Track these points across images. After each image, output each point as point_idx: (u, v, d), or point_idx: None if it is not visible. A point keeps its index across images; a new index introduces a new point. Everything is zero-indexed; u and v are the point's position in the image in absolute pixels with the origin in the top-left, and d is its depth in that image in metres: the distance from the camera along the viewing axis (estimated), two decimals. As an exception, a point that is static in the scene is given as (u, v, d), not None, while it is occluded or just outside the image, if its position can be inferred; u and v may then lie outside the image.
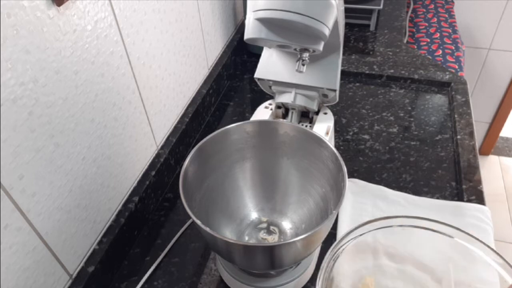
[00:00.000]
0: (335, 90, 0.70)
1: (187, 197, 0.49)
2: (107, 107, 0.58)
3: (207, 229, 0.44)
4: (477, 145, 1.60)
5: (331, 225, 0.51)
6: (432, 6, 1.50)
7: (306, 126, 0.76)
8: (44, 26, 0.45)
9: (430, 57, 1.11)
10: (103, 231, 0.62)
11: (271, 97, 0.78)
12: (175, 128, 0.79)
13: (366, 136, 0.82)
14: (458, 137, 0.78)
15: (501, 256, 0.45)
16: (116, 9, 0.56)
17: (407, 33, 1.36)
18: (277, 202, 0.63)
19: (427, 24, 1.40)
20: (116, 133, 0.61)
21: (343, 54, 1.03)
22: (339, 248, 0.47)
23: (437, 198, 0.70)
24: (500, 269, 0.45)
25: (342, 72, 0.98)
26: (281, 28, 0.53)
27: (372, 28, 1.13)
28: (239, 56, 1.07)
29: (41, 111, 0.46)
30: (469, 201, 0.68)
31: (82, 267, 0.57)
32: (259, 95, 0.96)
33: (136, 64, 0.63)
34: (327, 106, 0.76)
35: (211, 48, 0.92)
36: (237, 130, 0.58)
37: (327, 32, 0.52)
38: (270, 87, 0.76)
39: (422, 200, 0.69)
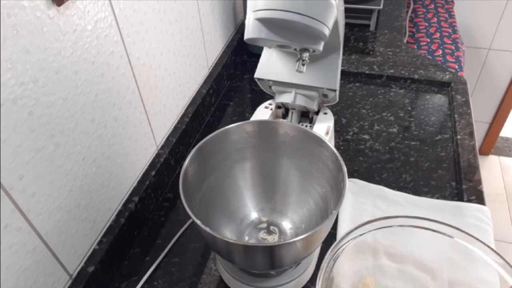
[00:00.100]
0: (335, 90, 0.70)
1: (187, 197, 0.49)
2: (107, 107, 0.58)
3: (207, 229, 0.44)
4: (477, 145, 1.60)
5: (331, 225, 0.51)
6: (432, 6, 1.50)
7: (306, 126, 0.76)
8: (44, 26, 0.45)
9: (430, 57, 1.11)
10: (103, 231, 0.62)
11: (271, 97, 0.78)
12: (175, 128, 0.79)
13: (366, 136, 0.82)
14: (458, 137, 0.78)
15: (501, 256, 0.45)
16: (116, 9, 0.56)
17: (407, 33, 1.36)
18: (277, 202, 0.63)
19: (427, 24, 1.40)
20: (116, 133, 0.61)
21: (343, 54, 1.03)
22: (339, 248, 0.47)
23: (437, 198, 0.70)
24: (500, 269, 0.45)
25: (342, 72, 0.98)
26: (281, 28, 0.53)
27: (372, 28, 1.13)
28: (239, 56, 1.07)
29: (41, 111, 0.46)
30: (469, 201, 0.68)
31: (82, 267, 0.57)
32: (259, 95, 0.96)
33: (136, 64, 0.63)
34: (327, 106, 0.76)
35: (211, 48, 0.92)
36: (237, 130, 0.58)
37: (327, 32, 0.52)
38: (270, 87, 0.76)
39: (422, 200, 0.69)
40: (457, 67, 1.23)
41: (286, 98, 0.73)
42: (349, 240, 0.48)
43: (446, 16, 1.44)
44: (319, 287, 0.43)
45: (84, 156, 0.55)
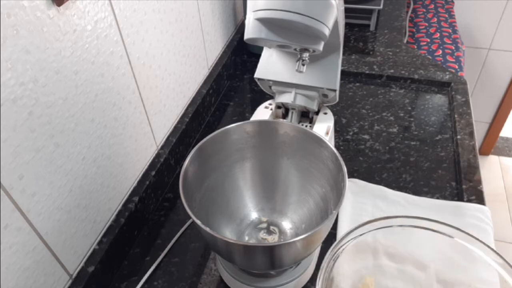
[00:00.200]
0: (335, 90, 0.70)
1: (187, 197, 0.49)
2: (107, 107, 0.58)
3: (207, 229, 0.44)
4: (477, 145, 1.60)
5: (331, 225, 0.51)
6: (432, 6, 1.50)
7: (306, 126, 0.76)
8: (44, 26, 0.45)
9: (430, 57, 1.11)
10: (103, 231, 0.62)
11: (271, 97, 0.78)
12: (175, 128, 0.79)
13: (366, 136, 0.82)
14: (458, 137, 0.78)
15: (501, 256, 0.45)
16: (116, 9, 0.56)
17: (407, 33, 1.36)
18: (277, 202, 0.63)
19: (427, 24, 1.40)
20: (116, 133, 0.61)
21: (343, 54, 1.03)
22: (339, 248, 0.47)
23: (437, 198, 0.70)
24: (500, 269, 0.45)
25: (342, 72, 0.98)
26: (281, 28, 0.53)
27: (372, 28, 1.13)
28: (239, 56, 1.07)
29: (41, 111, 0.46)
30: (469, 201, 0.68)
31: (82, 267, 0.57)
32: (259, 95, 0.96)
33: (136, 64, 0.63)
34: (327, 106, 0.76)
35: (211, 48, 0.92)
36: (237, 130, 0.58)
37: (327, 32, 0.52)
38: (270, 87, 0.76)
39: (422, 200, 0.69)
40: (457, 67, 1.23)
41: (286, 98, 0.73)
42: (349, 240, 0.48)
43: (446, 16, 1.44)
44: (319, 287, 0.43)
45: (84, 156, 0.55)
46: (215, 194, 0.59)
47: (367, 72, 0.97)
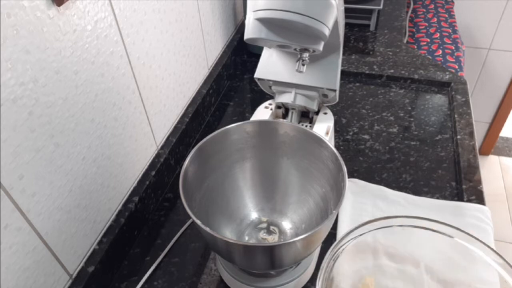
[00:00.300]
0: (335, 90, 0.70)
1: (187, 197, 0.49)
2: (107, 107, 0.58)
3: (207, 229, 0.44)
4: (477, 145, 1.60)
5: (331, 225, 0.51)
6: (432, 6, 1.50)
7: (306, 126, 0.76)
8: (44, 26, 0.45)
9: (430, 57, 1.11)
10: (103, 231, 0.62)
11: (271, 97, 0.78)
12: (175, 128, 0.79)
13: (366, 136, 0.82)
14: (458, 137, 0.78)
15: (501, 256, 0.45)
16: (116, 9, 0.56)
17: (407, 33, 1.36)
18: (277, 202, 0.63)
19: (427, 24, 1.40)
20: (116, 133, 0.61)
21: (343, 54, 1.03)
22: (339, 248, 0.47)
23: (437, 198, 0.70)
24: (500, 269, 0.45)
25: (342, 72, 0.98)
26: (281, 28, 0.53)
27: (372, 28, 1.13)
28: (239, 56, 1.07)
29: (41, 111, 0.46)
30: (469, 201, 0.68)
31: (82, 267, 0.57)
32: (259, 95, 0.96)
33: (136, 64, 0.63)
34: (327, 106, 0.76)
35: (211, 48, 0.92)
36: (237, 130, 0.58)
37: (327, 32, 0.52)
38: (270, 87, 0.76)
39: (422, 200, 0.69)
40: (457, 67, 1.23)
41: (286, 98, 0.73)
42: (349, 240, 0.48)
43: (446, 16, 1.44)
44: (319, 287, 0.43)
45: (84, 156, 0.55)
46: (215, 194, 0.59)
47: (367, 72, 0.97)
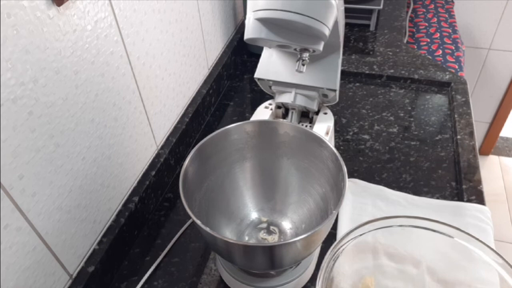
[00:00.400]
0: (335, 90, 0.70)
1: (187, 197, 0.49)
2: (107, 107, 0.58)
3: (207, 229, 0.44)
4: (477, 145, 1.60)
5: (331, 225, 0.51)
6: (432, 6, 1.50)
7: (306, 126, 0.76)
8: (44, 26, 0.45)
9: (430, 57, 1.11)
10: (103, 231, 0.62)
11: (271, 97, 0.78)
12: (175, 128, 0.79)
13: (366, 136, 0.82)
14: (458, 137, 0.78)
15: (501, 256, 0.45)
16: (116, 9, 0.56)
17: (407, 33, 1.36)
18: (277, 202, 0.63)
19: (427, 24, 1.40)
20: (116, 133, 0.61)
21: (343, 54, 1.03)
22: (339, 248, 0.47)
23: (437, 198, 0.70)
24: (500, 269, 0.45)
25: (342, 72, 0.98)
26: (281, 28, 0.53)
27: (372, 28, 1.13)
28: (239, 56, 1.07)
29: (41, 111, 0.46)
30: (469, 201, 0.68)
31: (82, 267, 0.57)
32: (259, 95, 0.96)
33: (136, 64, 0.63)
34: (327, 106, 0.76)
35: (211, 48, 0.92)
36: (237, 130, 0.58)
37: (327, 32, 0.52)
38: (270, 87, 0.76)
39: (422, 200, 0.69)
40: (457, 67, 1.23)
41: (286, 98, 0.73)
42: (349, 240, 0.48)
43: (446, 16, 1.44)
44: (319, 287, 0.43)
45: (84, 156, 0.55)
46: (215, 194, 0.59)
47: (367, 72, 0.97)
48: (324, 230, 0.48)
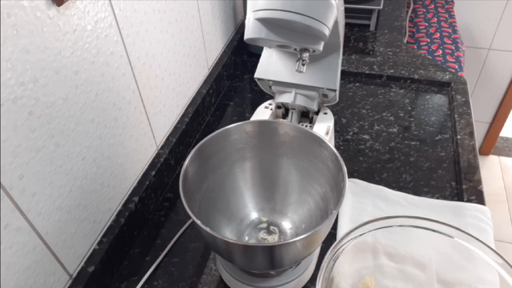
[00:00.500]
0: (335, 90, 0.70)
1: (187, 197, 0.49)
2: (107, 107, 0.58)
3: (207, 229, 0.44)
4: (477, 145, 1.60)
5: (331, 225, 0.51)
6: (432, 6, 1.50)
7: (306, 126, 0.76)
8: (44, 26, 0.45)
9: (430, 57, 1.11)
10: (103, 231, 0.62)
11: (271, 97, 0.78)
12: (175, 128, 0.79)
13: (366, 136, 0.82)
14: (458, 137, 0.78)
15: (501, 256, 0.45)
16: (116, 9, 0.56)
17: (407, 33, 1.36)
18: (277, 202, 0.63)
19: (427, 24, 1.40)
20: (116, 133, 0.61)
21: (343, 54, 1.03)
22: (339, 248, 0.47)
23: (437, 198, 0.70)
24: (500, 269, 0.45)
25: (342, 72, 0.98)
26: (281, 28, 0.53)
27: (372, 28, 1.13)
28: (239, 56, 1.07)
29: (41, 111, 0.46)
30: (469, 201, 0.68)
31: (82, 267, 0.57)
32: (259, 95, 0.96)
33: (136, 64, 0.63)
34: (327, 106, 0.76)
35: (211, 48, 0.92)
36: (237, 130, 0.58)
37: (327, 32, 0.52)
38: (270, 87, 0.76)
39: (422, 200, 0.69)
40: (457, 67, 1.23)
41: (286, 98, 0.73)
42: (349, 240, 0.48)
43: (446, 16, 1.44)
44: (319, 287, 0.43)
45: (84, 156, 0.55)
46: (215, 194, 0.59)
47: (367, 72, 0.97)
48: (324, 230, 0.48)
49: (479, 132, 1.99)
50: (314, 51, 0.57)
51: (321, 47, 0.55)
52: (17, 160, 0.44)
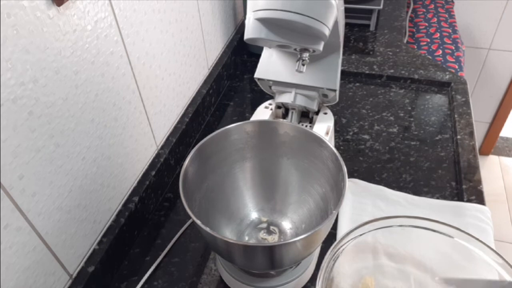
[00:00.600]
0: (335, 90, 0.70)
1: (187, 197, 0.49)
2: (107, 107, 0.58)
3: (207, 229, 0.44)
4: (477, 145, 1.60)
5: (331, 225, 0.51)
6: (432, 6, 1.50)
7: (306, 126, 0.76)
8: (44, 26, 0.45)
9: (430, 57, 1.11)
10: (103, 231, 0.62)
11: (271, 97, 0.78)
12: (175, 128, 0.79)
13: (366, 136, 0.82)
14: (458, 137, 0.78)
15: (501, 256, 0.45)
16: (116, 9, 0.56)
17: (407, 33, 1.36)
18: (277, 202, 0.63)
19: (427, 24, 1.40)
20: (116, 133, 0.61)
21: (343, 54, 1.03)
22: (339, 248, 0.47)
23: (437, 198, 0.70)
24: (500, 269, 0.45)
25: (342, 72, 0.98)
26: (281, 28, 0.53)
27: (372, 28, 1.13)
28: (239, 56, 1.07)
29: (41, 111, 0.46)
30: (469, 201, 0.68)
31: (82, 267, 0.57)
32: (259, 95, 0.96)
33: (136, 64, 0.63)
34: (327, 106, 0.76)
35: (211, 48, 0.92)
36: (237, 130, 0.58)
37: (327, 32, 0.52)
38: (270, 87, 0.76)
39: (422, 200, 0.69)
40: (457, 67, 1.23)
41: (286, 98, 0.73)
42: (349, 240, 0.48)
43: (446, 16, 1.44)
44: (319, 287, 0.43)
45: (84, 156, 0.55)
46: (215, 194, 0.59)
47: (367, 72, 0.97)
48: (324, 230, 0.48)
49: (479, 132, 1.99)
50: (314, 51, 0.57)
51: (321, 47, 0.55)
52: (17, 160, 0.44)
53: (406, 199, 0.69)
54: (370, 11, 1.11)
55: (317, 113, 0.75)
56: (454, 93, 0.88)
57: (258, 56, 0.76)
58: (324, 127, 0.72)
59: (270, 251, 0.46)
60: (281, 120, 0.76)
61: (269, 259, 0.48)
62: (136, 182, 0.69)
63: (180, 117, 0.81)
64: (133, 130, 0.65)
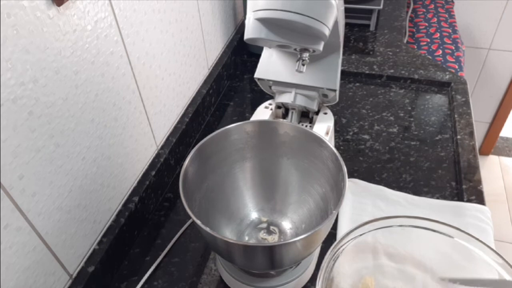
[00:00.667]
0: (335, 90, 0.70)
1: (187, 197, 0.49)
2: (107, 107, 0.58)
3: (207, 229, 0.44)
4: (477, 145, 1.60)
5: (331, 225, 0.51)
6: (432, 6, 1.50)
7: (306, 126, 0.76)
8: (44, 26, 0.45)
9: (430, 57, 1.11)
10: (103, 231, 0.62)
11: (271, 97, 0.78)
12: (175, 128, 0.79)
13: (366, 136, 0.82)
14: (458, 137, 0.78)
15: (501, 256, 0.45)
16: (116, 9, 0.56)
17: (407, 33, 1.36)
18: (277, 202, 0.63)
19: (427, 24, 1.40)
20: (116, 133, 0.61)
21: (343, 54, 1.03)
22: (339, 248, 0.47)
23: (437, 198, 0.70)
24: (500, 269, 0.45)
25: (342, 72, 0.98)
26: (281, 28, 0.53)
27: (372, 28, 1.13)
28: (239, 56, 1.07)
29: (41, 111, 0.46)
30: (469, 201, 0.68)
31: (82, 267, 0.57)
32: (259, 95, 0.96)
33: (136, 64, 0.63)
34: (327, 106, 0.76)
35: (211, 48, 0.92)
36: (237, 130, 0.58)
37: (327, 32, 0.52)
38: (270, 87, 0.76)
39: (422, 200, 0.69)
40: (457, 67, 1.23)
41: (286, 98, 0.73)
42: (349, 240, 0.48)
43: (446, 16, 1.44)
44: (319, 287, 0.43)
45: (84, 156, 0.55)
46: (215, 194, 0.59)
47: (367, 72, 0.97)
48: (324, 230, 0.48)
49: (479, 132, 1.99)
50: (314, 51, 0.57)
51: (321, 47, 0.55)
52: (17, 160, 0.44)
53: (406, 199, 0.69)
54: (370, 11, 1.11)
55: (317, 113, 0.75)
56: (454, 93, 0.88)
57: (258, 56, 0.76)
58: (324, 127, 0.72)
59: (270, 251, 0.46)
60: (281, 120, 0.76)
61: (269, 259, 0.48)
62: (136, 182, 0.69)
63: (180, 117, 0.81)
64: (133, 130, 0.65)
